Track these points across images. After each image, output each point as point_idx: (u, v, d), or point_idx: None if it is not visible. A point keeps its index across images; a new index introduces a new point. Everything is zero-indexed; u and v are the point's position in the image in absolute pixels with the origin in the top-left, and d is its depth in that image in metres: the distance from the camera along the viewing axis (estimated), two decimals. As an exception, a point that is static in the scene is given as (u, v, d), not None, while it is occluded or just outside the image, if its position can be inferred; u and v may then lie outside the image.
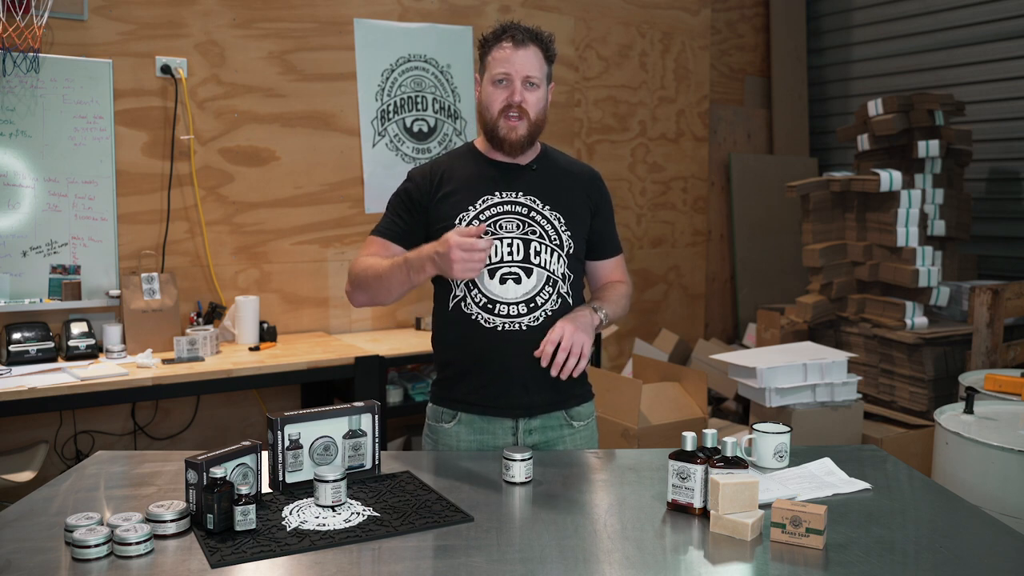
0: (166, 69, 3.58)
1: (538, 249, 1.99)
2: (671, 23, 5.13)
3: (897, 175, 4.05)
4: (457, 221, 2.00)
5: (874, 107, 4.31)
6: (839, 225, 4.37)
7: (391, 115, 4.14)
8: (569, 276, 2.03)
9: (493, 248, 1.97)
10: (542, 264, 1.99)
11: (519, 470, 1.78)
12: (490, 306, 1.98)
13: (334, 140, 4.02)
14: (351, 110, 4.04)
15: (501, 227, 1.99)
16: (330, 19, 3.96)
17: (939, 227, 4.25)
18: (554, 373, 1.88)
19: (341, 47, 4.00)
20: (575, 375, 1.91)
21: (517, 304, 1.97)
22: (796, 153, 5.67)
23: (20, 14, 3.10)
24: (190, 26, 3.64)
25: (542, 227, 2.01)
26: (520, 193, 2.02)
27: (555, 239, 2.01)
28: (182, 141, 3.65)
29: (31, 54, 3.20)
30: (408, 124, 4.19)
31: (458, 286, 2.00)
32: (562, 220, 2.02)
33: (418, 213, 2.05)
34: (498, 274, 1.97)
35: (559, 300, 2.01)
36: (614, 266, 2.19)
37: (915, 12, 5.02)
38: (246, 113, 3.80)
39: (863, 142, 4.41)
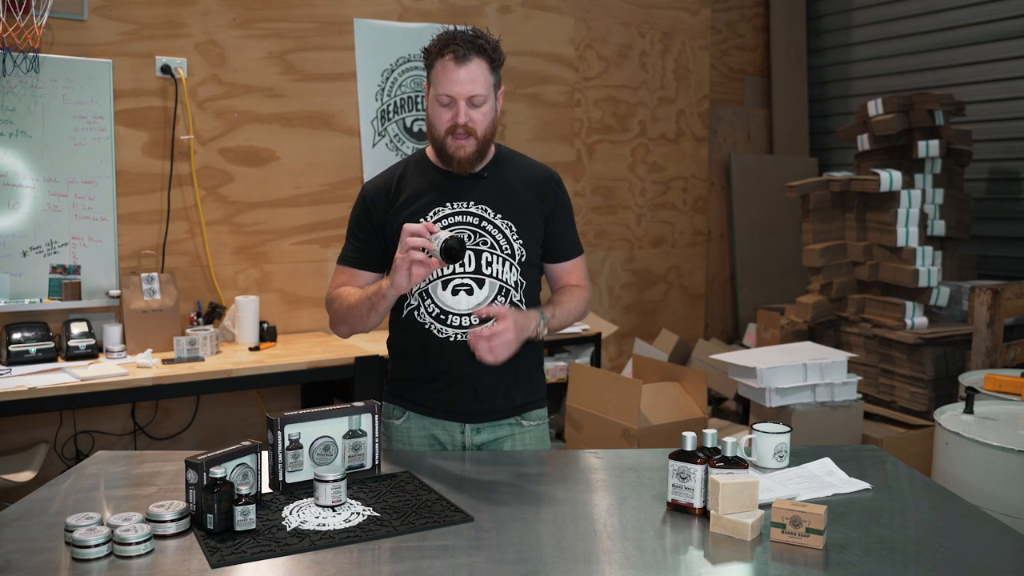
0: (166, 69, 3.58)
1: (490, 259, 1.98)
2: (671, 23, 5.13)
3: (897, 175, 4.05)
4: None
5: (874, 107, 4.31)
6: (839, 225, 4.37)
7: (391, 115, 4.14)
8: (522, 284, 2.02)
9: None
10: (494, 274, 1.98)
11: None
12: (443, 317, 1.98)
13: (334, 140, 4.02)
14: (351, 110, 4.04)
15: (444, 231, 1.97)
16: (330, 19, 3.96)
17: (939, 227, 4.25)
18: (471, 341, 1.85)
19: (341, 47, 4.00)
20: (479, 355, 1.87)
21: (469, 315, 1.97)
22: (796, 153, 5.67)
23: (20, 14, 3.10)
24: (190, 26, 3.64)
25: (493, 237, 1.99)
26: (471, 203, 2.00)
27: (506, 248, 2.00)
28: (182, 141, 3.65)
29: (31, 54, 3.20)
30: (408, 124, 4.19)
31: (413, 295, 2.00)
32: (513, 228, 2.00)
33: (376, 230, 2.04)
34: (450, 285, 1.97)
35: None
36: (571, 268, 2.14)
37: (915, 12, 5.02)
38: (246, 113, 3.80)
39: (863, 142, 4.41)
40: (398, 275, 1.82)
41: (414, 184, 2.03)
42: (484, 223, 2.00)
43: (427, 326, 2.00)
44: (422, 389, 2.06)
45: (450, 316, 1.98)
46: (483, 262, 1.98)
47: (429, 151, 2.07)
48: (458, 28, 1.96)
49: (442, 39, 1.93)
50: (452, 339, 1.98)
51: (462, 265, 1.97)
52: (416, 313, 2.01)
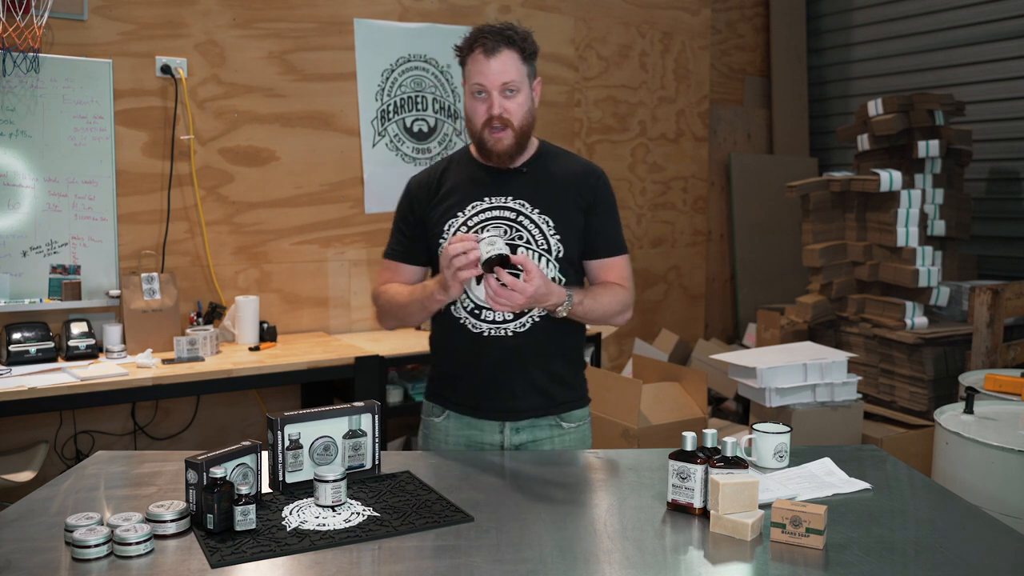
0: (166, 69, 3.58)
1: (525, 254, 1.98)
2: (671, 23, 5.13)
3: (897, 175, 4.05)
4: (446, 227, 2.01)
5: (874, 107, 4.31)
6: (839, 225, 4.37)
7: (391, 115, 4.14)
8: (560, 280, 2.01)
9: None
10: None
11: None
12: (477, 311, 1.99)
13: (334, 140, 4.02)
14: (351, 110, 4.04)
15: (488, 233, 1.98)
16: (330, 19, 3.96)
17: (939, 227, 4.25)
18: (485, 279, 1.84)
19: (341, 47, 4.00)
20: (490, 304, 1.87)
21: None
22: (796, 153, 5.67)
23: (20, 14, 3.10)
24: (190, 26, 3.64)
25: (530, 232, 1.99)
26: (510, 198, 2.01)
27: (543, 244, 1.99)
28: (182, 141, 3.65)
29: (31, 54, 3.20)
30: (408, 124, 4.19)
31: None
32: (551, 223, 2.00)
33: (418, 224, 2.08)
34: (492, 276, 1.97)
35: None
36: (609, 266, 2.09)
37: (915, 12, 5.02)
38: (246, 113, 3.80)
39: (863, 142, 4.41)
40: (451, 291, 1.86)
41: (455, 178, 2.06)
42: (521, 218, 2.00)
43: (462, 320, 2.01)
44: (460, 388, 2.06)
45: (483, 311, 1.99)
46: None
47: (473, 147, 2.09)
48: (488, 24, 1.98)
49: (471, 35, 1.96)
50: (486, 334, 1.99)
51: None
52: (452, 308, 2.02)
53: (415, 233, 2.08)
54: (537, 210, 2.00)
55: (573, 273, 2.05)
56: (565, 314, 1.94)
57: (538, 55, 2.02)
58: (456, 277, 1.82)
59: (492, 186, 2.02)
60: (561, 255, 2.00)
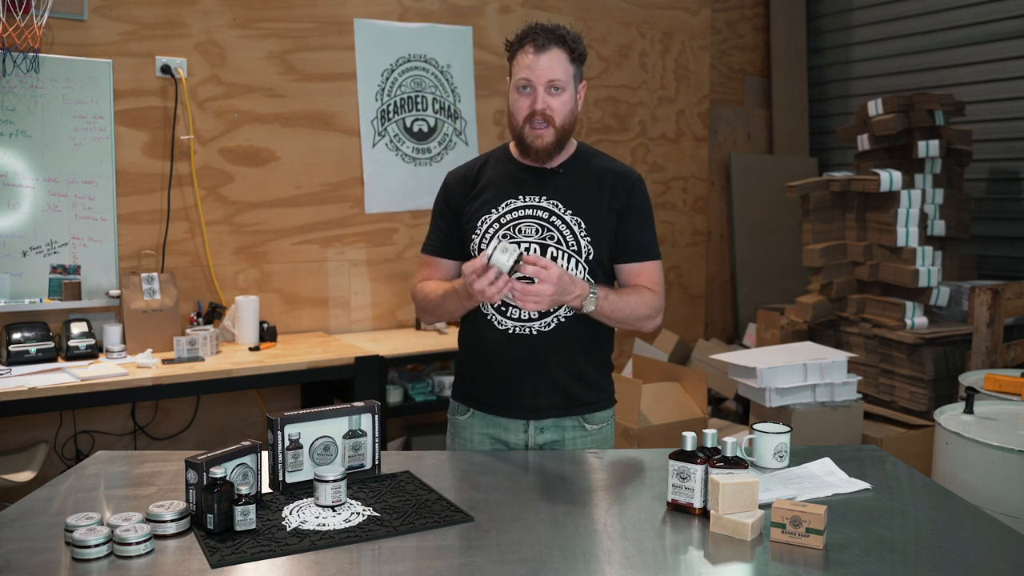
0: (166, 69, 3.58)
1: (555, 255, 1.99)
2: (671, 23, 5.13)
3: (897, 175, 4.05)
4: (479, 223, 2.03)
5: (874, 107, 4.31)
6: (839, 225, 4.37)
7: (391, 115, 4.14)
8: (589, 282, 2.01)
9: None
10: None
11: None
12: (503, 308, 2.01)
13: (334, 140, 4.02)
14: (351, 110, 4.04)
15: (520, 231, 2.00)
16: (330, 19, 3.96)
17: (939, 227, 4.25)
18: (515, 295, 1.85)
19: (341, 47, 4.00)
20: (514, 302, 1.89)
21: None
22: (796, 153, 5.67)
23: (20, 14, 3.10)
24: (190, 26, 3.64)
25: (560, 232, 2.00)
26: (544, 197, 2.02)
27: (573, 245, 2.00)
28: (182, 141, 3.65)
29: (31, 54, 3.20)
30: (408, 124, 4.19)
31: None
32: (582, 225, 2.01)
33: (454, 218, 2.10)
34: (513, 278, 1.97)
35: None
36: (639, 271, 2.08)
37: (915, 12, 5.02)
38: (246, 113, 3.80)
39: (863, 142, 4.41)
40: (481, 298, 1.87)
41: (492, 175, 2.07)
42: (553, 218, 2.01)
43: (489, 316, 2.03)
44: (484, 386, 2.08)
45: (510, 308, 2.00)
46: (548, 257, 1.98)
47: (512, 145, 2.10)
48: (540, 23, 1.99)
49: (523, 31, 1.98)
50: (511, 331, 2.00)
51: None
52: (481, 303, 2.03)
53: (452, 228, 2.10)
54: (569, 211, 2.01)
55: (603, 275, 2.05)
56: (592, 308, 1.94)
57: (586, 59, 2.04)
58: (486, 294, 1.83)
59: (527, 185, 2.03)
60: (591, 257, 2.01)
